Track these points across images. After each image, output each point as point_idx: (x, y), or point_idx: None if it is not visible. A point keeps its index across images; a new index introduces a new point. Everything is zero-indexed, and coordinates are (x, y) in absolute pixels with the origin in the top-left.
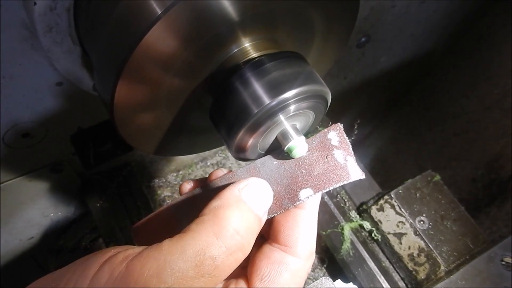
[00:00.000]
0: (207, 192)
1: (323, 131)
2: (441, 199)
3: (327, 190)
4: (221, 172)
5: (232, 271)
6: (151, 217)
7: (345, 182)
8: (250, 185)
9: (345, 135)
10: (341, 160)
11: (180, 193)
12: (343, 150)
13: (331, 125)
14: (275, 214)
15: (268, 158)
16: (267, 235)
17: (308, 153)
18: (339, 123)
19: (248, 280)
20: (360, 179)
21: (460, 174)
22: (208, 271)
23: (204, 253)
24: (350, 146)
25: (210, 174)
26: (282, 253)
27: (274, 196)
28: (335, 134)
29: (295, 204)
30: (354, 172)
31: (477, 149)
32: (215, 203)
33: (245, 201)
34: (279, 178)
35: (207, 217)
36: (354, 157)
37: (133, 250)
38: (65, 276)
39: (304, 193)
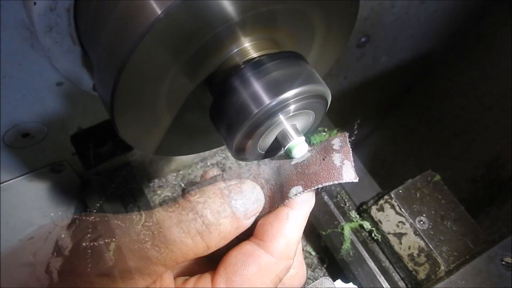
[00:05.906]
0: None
1: (328, 138)
2: (441, 199)
3: (316, 187)
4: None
5: None
6: None
7: (335, 182)
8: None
9: (348, 142)
10: (337, 162)
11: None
12: (342, 154)
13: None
14: (266, 212)
15: (269, 160)
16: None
17: (309, 155)
18: (345, 132)
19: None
20: (355, 181)
21: (460, 174)
22: None
23: None
24: (351, 152)
25: (205, 173)
26: (254, 246)
27: (268, 196)
28: (339, 140)
29: (284, 202)
30: (348, 174)
31: (477, 149)
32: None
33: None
34: (277, 178)
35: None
36: (352, 163)
37: None
38: None
39: (293, 191)
